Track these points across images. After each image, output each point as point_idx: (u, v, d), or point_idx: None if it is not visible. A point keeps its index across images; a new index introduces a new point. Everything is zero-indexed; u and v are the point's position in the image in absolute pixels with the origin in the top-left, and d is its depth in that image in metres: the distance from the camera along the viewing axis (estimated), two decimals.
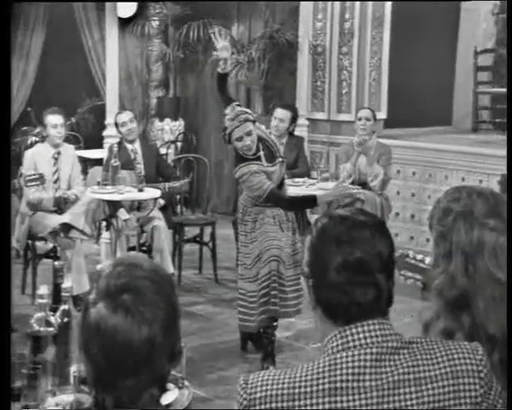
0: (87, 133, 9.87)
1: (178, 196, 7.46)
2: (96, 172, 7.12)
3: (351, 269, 1.67)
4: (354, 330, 1.67)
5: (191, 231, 7.48)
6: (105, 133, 9.30)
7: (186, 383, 2.33)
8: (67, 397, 2.33)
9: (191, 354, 4.86)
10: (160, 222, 6.57)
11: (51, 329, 2.40)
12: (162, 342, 1.52)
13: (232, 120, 4.83)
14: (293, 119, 6.88)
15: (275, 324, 5.18)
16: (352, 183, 6.59)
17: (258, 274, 5.02)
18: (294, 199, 5.36)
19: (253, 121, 4.93)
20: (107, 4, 9.40)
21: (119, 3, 9.37)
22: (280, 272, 4.99)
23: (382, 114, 8.86)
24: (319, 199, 4.99)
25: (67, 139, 7.14)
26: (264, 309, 5.02)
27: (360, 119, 6.96)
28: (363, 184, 6.74)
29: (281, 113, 6.80)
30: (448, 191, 2.24)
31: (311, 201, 5.08)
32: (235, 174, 5.02)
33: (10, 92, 8.15)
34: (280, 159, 5.09)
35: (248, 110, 5.09)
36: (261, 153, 4.96)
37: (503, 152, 7.57)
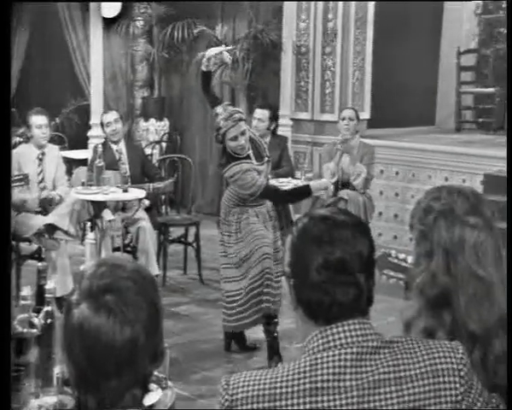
0: (72, 134, 9.83)
1: (163, 197, 7.44)
2: (81, 172, 7.08)
3: (331, 269, 1.68)
4: (335, 330, 1.68)
5: (176, 232, 7.47)
6: (90, 134, 9.24)
7: (169, 383, 2.33)
8: (50, 399, 2.32)
9: (175, 354, 4.87)
10: (145, 223, 6.54)
11: (34, 330, 2.39)
12: (144, 343, 1.52)
13: (226, 120, 4.83)
14: (273, 117, 6.90)
15: (275, 320, 5.10)
16: (337, 182, 6.64)
17: (247, 273, 5.01)
18: (290, 191, 5.38)
19: (245, 121, 4.97)
20: (92, 4, 9.34)
21: (103, 3, 9.33)
22: (271, 269, 4.99)
23: (366, 114, 8.88)
24: (313, 189, 5.01)
25: (52, 140, 7.11)
26: (257, 309, 5.01)
27: (343, 119, 6.98)
28: (347, 184, 6.78)
29: (259, 113, 6.83)
30: (429, 191, 2.25)
31: (305, 192, 5.10)
32: (224, 173, 5.01)
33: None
34: (266, 158, 5.12)
35: (240, 109, 5.12)
36: (250, 152, 4.99)
37: (486, 152, 7.65)
